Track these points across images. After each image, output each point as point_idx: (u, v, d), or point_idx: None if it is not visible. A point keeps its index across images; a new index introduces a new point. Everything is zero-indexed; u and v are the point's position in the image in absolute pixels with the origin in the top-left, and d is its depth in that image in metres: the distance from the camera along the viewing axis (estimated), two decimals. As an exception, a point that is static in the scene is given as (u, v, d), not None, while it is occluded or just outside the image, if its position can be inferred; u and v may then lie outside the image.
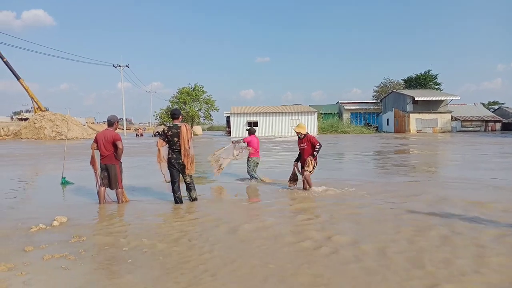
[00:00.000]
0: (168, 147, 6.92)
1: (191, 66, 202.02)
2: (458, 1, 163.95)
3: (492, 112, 59.14)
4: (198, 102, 55.97)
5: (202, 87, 55.93)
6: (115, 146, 6.91)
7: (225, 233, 5.15)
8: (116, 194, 7.08)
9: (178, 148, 6.82)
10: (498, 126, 52.70)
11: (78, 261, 4.15)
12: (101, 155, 6.94)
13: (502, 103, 74.18)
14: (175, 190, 7.00)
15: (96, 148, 7.00)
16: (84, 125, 59.66)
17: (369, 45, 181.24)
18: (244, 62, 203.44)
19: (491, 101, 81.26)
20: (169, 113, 53.84)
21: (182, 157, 6.84)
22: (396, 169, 12.21)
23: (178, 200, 7.00)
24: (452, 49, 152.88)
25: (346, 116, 62.39)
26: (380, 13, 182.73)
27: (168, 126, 6.91)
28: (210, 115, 57.97)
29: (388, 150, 21.15)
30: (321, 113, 55.46)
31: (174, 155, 6.85)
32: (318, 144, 7.88)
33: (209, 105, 56.56)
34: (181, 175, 6.98)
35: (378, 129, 56.38)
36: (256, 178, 9.66)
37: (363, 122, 61.68)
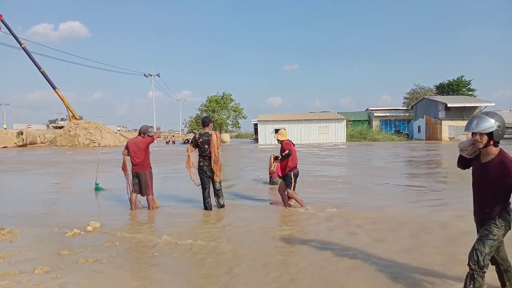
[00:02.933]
0: (199, 154, 7.02)
1: (220, 74, 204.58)
2: (490, 5, 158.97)
3: (529, 118, 56.66)
4: (226, 110, 56.45)
5: (230, 95, 56.42)
6: (147, 151, 7.15)
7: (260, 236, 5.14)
8: (147, 200, 7.21)
9: (209, 155, 6.92)
10: (536, 132, 50.39)
11: (111, 265, 4.24)
12: (132, 163, 7.10)
13: (541, 110, 70.99)
14: (205, 197, 7.08)
15: (127, 154, 7.17)
16: (116, 133, 61.25)
17: (399, 51, 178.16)
18: (272, 69, 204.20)
19: (529, 107, 77.94)
20: (199, 120, 54.41)
21: (212, 164, 6.92)
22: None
23: (208, 207, 7.07)
24: (485, 54, 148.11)
25: (375, 123, 61.29)
26: (411, 18, 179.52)
27: (199, 133, 7.02)
28: (238, 123, 58.39)
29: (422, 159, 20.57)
30: (349, 120, 54.70)
31: (206, 162, 6.95)
32: (286, 150, 7.08)
33: (237, 113, 56.94)
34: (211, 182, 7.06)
35: (409, 136, 55.07)
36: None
37: (393, 129, 60.40)
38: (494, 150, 2.98)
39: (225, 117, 55.98)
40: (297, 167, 7.25)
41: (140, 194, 7.19)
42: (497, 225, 2.96)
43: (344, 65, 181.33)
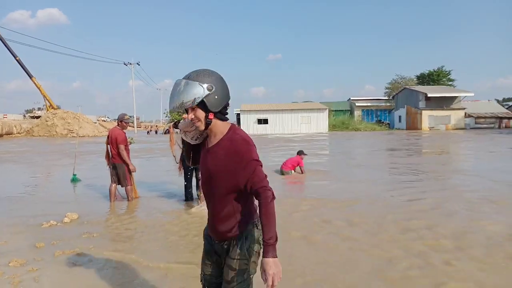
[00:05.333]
0: (182, 142, 6.96)
1: (202, 63, 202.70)
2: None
3: (507, 108, 58.04)
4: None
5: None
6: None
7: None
8: (126, 191, 7.09)
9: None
10: (512, 123, 51.70)
11: (89, 257, 4.16)
12: (111, 153, 6.97)
13: (517, 99, 72.88)
14: (187, 187, 7.06)
15: (108, 143, 7.03)
16: (95, 122, 60.19)
17: (381, 41, 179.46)
18: (255, 59, 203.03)
19: (506, 97, 79.90)
20: (181, 111, 54.51)
21: None
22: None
23: (188, 197, 7.05)
24: (466, 45, 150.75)
25: (357, 113, 61.87)
26: (393, 10, 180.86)
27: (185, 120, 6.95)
28: (221, 113, 58.07)
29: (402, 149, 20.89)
30: (332, 110, 55.05)
31: None
32: None
33: (220, 103, 56.58)
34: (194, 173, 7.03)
35: (390, 126, 55.79)
36: None
37: (374, 119, 61.10)
38: (222, 127, 1.99)
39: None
40: None
41: (119, 185, 7.07)
42: (244, 255, 2.00)
43: (328, 55, 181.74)
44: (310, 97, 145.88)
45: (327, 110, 50.06)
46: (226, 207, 2.01)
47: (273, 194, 1.90)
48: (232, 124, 2.05)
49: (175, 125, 6.97)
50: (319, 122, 48.58)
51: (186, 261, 4.00)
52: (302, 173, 10.66)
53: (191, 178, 7.06)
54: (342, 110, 60.94)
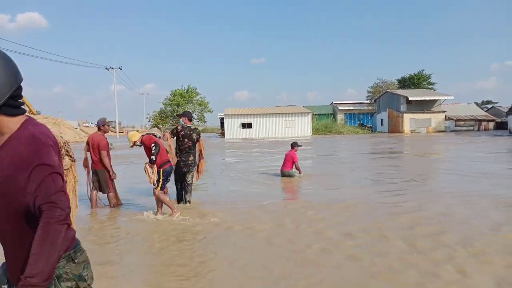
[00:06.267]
0: (176, 148, 6.96)
1: (186, 68, 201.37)
2: (451, 1, 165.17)
3: (486, 111, 59.43)
4: (191, 104, 55.78)
5: (196, 88, 55.76)
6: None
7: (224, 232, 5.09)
8: (108, 198, 6.98)
9: (187, 150, 6.90)
10: (491, 125, 52.96)
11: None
12: (91, 159, 6.85)
13: (496, 102, 74.53)
14: (179, 189, 7.11)
15: (88, 150, 6.91)
16: (77, 128, 59.23)
17: (363, 45, 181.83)
18: (239, 63, 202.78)
19: (485, 100, 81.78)
20: (164, 115, 53.47)
21: (197, 159, 7.11)
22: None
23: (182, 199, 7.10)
24: (446, 49, 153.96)
25: (340, 116, 62.48)
26: (374, 15, 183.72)
27: (182, 126, 6.92)
28: (204, 117, 57.85)
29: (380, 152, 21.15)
30: (315, 114, 55.46)
31: (183, 157, 6.89)
32: (153, 144, 6.05)
33: (203, 107, 56.42)
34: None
35: (372, 129, 56.47)
36: None
37: (357, 122, 61.77)
38: (11, 124, 1.44)
39: (190, 111, 55.31)
40: (170, 162, 6.39)
41: (101, 192, 6.96)
42: None
43: (311, 59, 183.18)
44: (293, 101, 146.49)
45: (311, 114, 50.41)
46: (15, 236, 1.42)
47: (64, 216, 1.35)
48: (28, 118, 1.50)
49: (174, 132, 6.92)
50: (303, 126, 48.87)
51: (167, 270, 3.96)
52: (299, 172, 10.23)
53: (182, 184, 7.04)
54: (325, 114, 61.47)
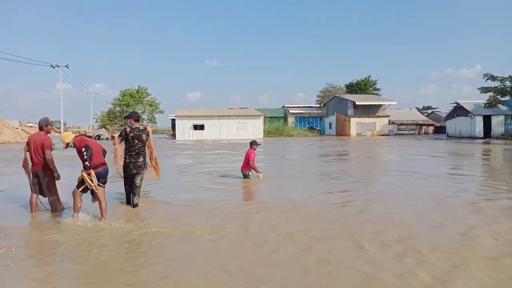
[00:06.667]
0: (125, 149, 6.81)
1: (137, 68, 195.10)
2: (395, 13, 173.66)
3: (426, 116, 63.40)
4: (141, 105, 54.42)
5: (146, 89, 54.49)
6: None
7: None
8: (49, 201, 6.67)
9: (137, 151, 6.77)
10: (430, 129, 56.43)
11: (6, 273, 3.89)
12: (32, 161, 6.51)
13: (435, 108, 79.48)
14: (128, 192, 6.97)
15: (28, 150, 6.56)
16: (18, 128, 55.77)
17: (314, 50, 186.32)
18: (192, 64, 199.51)
19: (425, 106, 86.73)
20: (112, 115, 51.69)
21: (150, 162, 7.00)
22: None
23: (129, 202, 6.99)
24: (391, 56, 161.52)
25: (291, 119, 63.72)
26: (324, 20, 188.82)
27: (130, 128, 6.79)
28: (155, 118, 56.64)
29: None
30: (267, 117, 56.16)
31: (132, 159, 6.76)
32: (83, 148, 5.75)
33: (154, 108, 55.24)
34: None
35: (321, 132, 58.07)
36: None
37: (307, 125, 63.27)
38: None
39: (141, 112, 53.93)
40: (105, 164, 6.12)
41: (42, 195, 6.62)
42: None
43: (263, 62, 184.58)
44: (246, 103, 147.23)
45: (263, 116, 50.95)
46: None
47: None
48: None
49: (122, 135, 6.74)
50: (255, 128, 49.24)
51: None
52: (256, 171, 10.11)
53: (132, 187, 6.91)
54: (276, 117, 62.47)
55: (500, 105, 36.39)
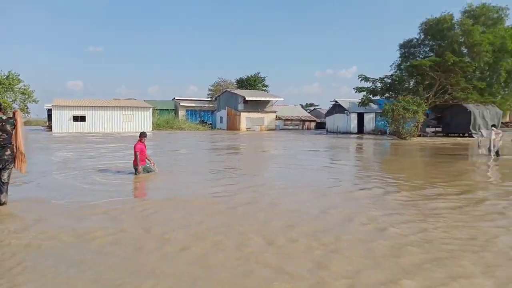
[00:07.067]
0: None
1: (7, 52, 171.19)
2: (283, 15, 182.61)
3: (309, 112, 68.21)
4: (12, 92, 48.35)
5: (18, 75, 48.54)
6: None
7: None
8: None
9: (2, 144, 5.99)
10: (313, 125, 60.96)
11: None
12: None
13: (317, 105, 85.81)
14: None
15: None
16: None
17: (205, 44, 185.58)
18: (72, 49, 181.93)
19: (309, 103, 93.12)
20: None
21: (14, 152, 6.12)
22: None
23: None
24: (279, 55, 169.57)
25: (181, 113, 62.69)
26: (215, 15, 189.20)
27: None
28: (27, 108, 50.78)
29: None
30: (156, 109, 54.41)
31: None
32: None
33: (26, 96, 49.48)
34: None
35: (212, 126, 58.37)
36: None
37: (198, 119, 62.97)
38: None
39: (11, 100, 47.80)
40: None
41: None
42: None
43: (153, 52, 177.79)
44: (133, 94, 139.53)
45: (151, 108, 49.22)
46: None
47: None
48: None
49: None
50: (143, 121, 47.31)
51: None
52: (141, 163, 9.56)
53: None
54: (167, 110, 60.84)
55: (371, 104, 40.73)
